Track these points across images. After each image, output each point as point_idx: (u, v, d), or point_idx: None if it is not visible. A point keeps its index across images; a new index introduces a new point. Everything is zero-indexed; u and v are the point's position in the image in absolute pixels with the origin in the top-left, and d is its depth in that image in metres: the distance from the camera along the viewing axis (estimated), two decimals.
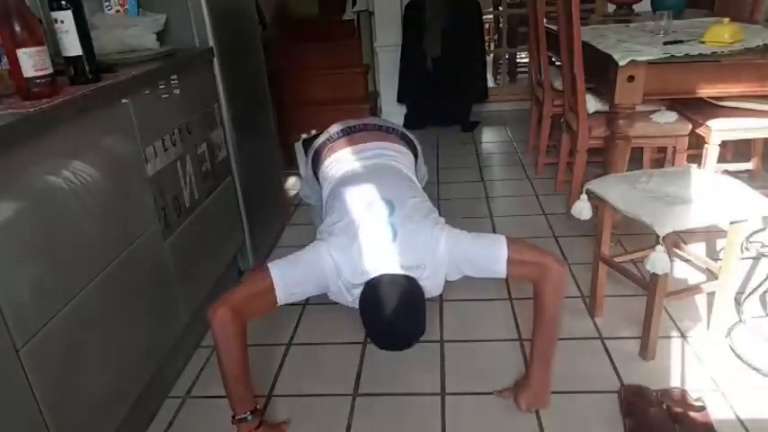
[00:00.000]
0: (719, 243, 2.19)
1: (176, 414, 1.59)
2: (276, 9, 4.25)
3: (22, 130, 1.08)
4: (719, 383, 1.53)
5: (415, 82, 4.06)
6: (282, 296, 1.36)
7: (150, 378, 1.53)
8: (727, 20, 2.09)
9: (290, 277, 1.36)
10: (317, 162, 1.82)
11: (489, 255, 1.39)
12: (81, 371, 1.24)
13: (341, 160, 1.71)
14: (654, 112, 2.27)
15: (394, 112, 4.16)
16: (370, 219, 1.42)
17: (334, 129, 1.86)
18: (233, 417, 1.38)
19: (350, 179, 1.60)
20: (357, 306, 1.42)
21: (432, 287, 1.42)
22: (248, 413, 1.38)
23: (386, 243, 1.37)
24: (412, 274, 1.37)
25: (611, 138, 2.16)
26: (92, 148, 1.31)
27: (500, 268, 1.38)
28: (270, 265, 1.37)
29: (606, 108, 2.28)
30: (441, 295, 2.01)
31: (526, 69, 4.41)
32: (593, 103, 2.37)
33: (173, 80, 1.73)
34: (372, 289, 1.35)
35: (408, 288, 1.36)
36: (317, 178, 1.82)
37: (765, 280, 1.79)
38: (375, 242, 1.38)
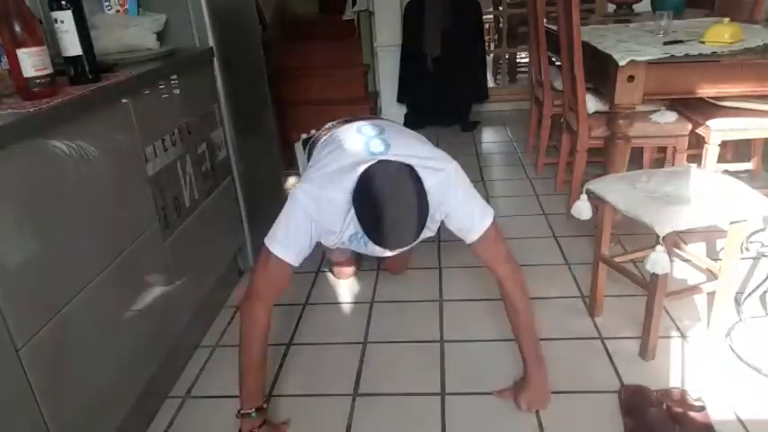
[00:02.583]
0: (719, 243, 2.19)
1: (176, 414, 1.59)
2: (276, 9, 4.26)
3: (22, 130, 1.08)
4: (719, 383, 1.53)
5: (415, 82, 4.06)
6: (293, 259, 1.36)
7: (150, 378, 1.53)
8: (727, 20, 2.09)
9: (288, 242, 1.35)
10: (311, 151, 1.82)
11: (475, 215, 1.40)
12: (81, 371, 1.24)
13: (333, 132, 1.71)
14: (654, 112, 2.27)
15: (394, 113, 4.16)
16: (359, 137, 1.41)
17: (331, 123, 1.86)
18: (239, 410, 1.39)
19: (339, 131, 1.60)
20: (353, 243, 1.41)
21: (434, 200, 1.31)
22: (253, 410, 1.39)
23: (378, 149, 1.35)
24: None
25: (611, 138, 2.16)
26: (92, 148, 1.31)
27: (475, 232, 1.40)
28: (266, 242, 1.37)
29: (606, 108, 2.28)
30: (441, 295, 2.03)
31: (526, 69, 4.41)
32: (593, 103, 2.37)
33: (173, 80, 1.73)
34: (368, 174, 1.25)
35: (409, 172, 1.25)
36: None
37: (765, 280, 1.80)
38: (365, 148, 1.36)
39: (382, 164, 1.27)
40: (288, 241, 1.35)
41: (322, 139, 1.70)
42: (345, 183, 1.28)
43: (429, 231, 1.43)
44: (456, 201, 1.38)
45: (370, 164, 1.27)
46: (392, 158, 1.29)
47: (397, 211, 1.23)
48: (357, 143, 1.41)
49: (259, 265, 1.41)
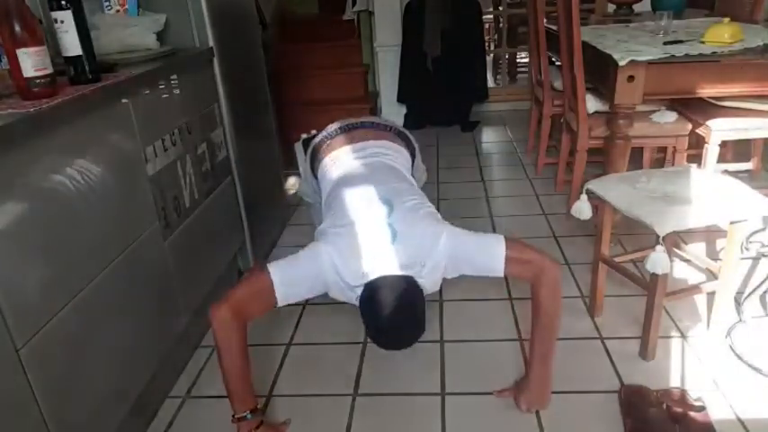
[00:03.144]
0: (719, 243, 2.19)
1: (176, 414, 1.59)
2: (276, 9, 4.25)
3: (22, 130, 1.08)
4: (719, 383, 1.53)
5: (415, 82, 4.06)
6: (282, 297, 1.37)
7: (150, 378, 1.53)
8: (727, 20, 2.09)
9: (289, 278, 1.37)
10: (314, 160, 1.82)
11: (488, 253, 1.40)
12: (81, 371, 1.24)
13: (339, 159, 1.71)
14: (654, 112, 2.27)
15: (394, 112, 4.16)
16: (369, 220, 1.43)
17: (333, 127, 1.86)
18: (233, 416, 1.38)
19: (348, 180, 1.60)
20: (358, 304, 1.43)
21: (429, 284, 1.42)
22: (248, 412, 1.38)
23: (385, 244, 1.38)
24: (411, 272, 1.37)
25: (611, 138, 2.16)
26: (92, 149, 1.31)
27: (498, 267, 1.39)
28: (269, 266, 1.37)
29: (606, 108, 2.28)
30: (441, 295, 2.03)
31: (526, 69, 4.41)
32: (593, 103, 2.37)
33: (173, 80, 1.73)
34: (372, 291, 1.36)
35: (408, 290, 1.36)
36: (316, 177, 1.83)
37: (765, 280, 1.80)
38: (374, 243, 1.38)
39: (386, 281, 1.34)
40: (289, 281, 1.36)
41: (328, 166, 1.72)
42: (355, 282, 1.38)
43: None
44: (462, 259, 1.41)
45: (373, 278, 1.35)
46: (393, 272, 1.35)
47: (395, 329, 1.37)
48: (368, 230, 1.41)
49: (250, 281, 1.41)
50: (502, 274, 1.41)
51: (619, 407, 1.47)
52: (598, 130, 2.32)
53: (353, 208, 1.48)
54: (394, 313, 1.33)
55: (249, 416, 1.38)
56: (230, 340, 1.34)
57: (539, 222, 2.57)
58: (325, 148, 1.79)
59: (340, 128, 1.84)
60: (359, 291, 1.39)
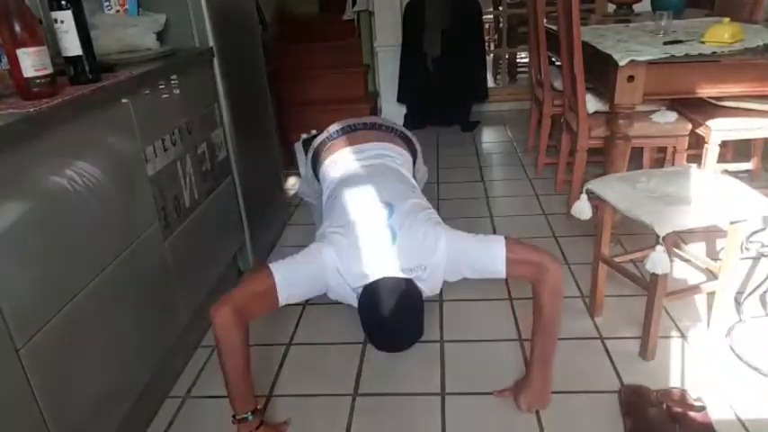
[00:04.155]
0: (719, 243, 2.19)
1: (176, 414, 1.59)
2: (276, 9, 4.26)
3: (22, 130, 1.08)
4: (719, 383, 1.53)
5: (415, 82, 4.06)
6: (284, 298, 1.37)
7: (150, 378, 1.53)
8: (727, 20, 2.09)
9: (291, 279, 1.37)
10: (316, 161, 1.83)
11: (488, 255, 1.39)
12: (81, 371, 1.24)
13: (340, 161, 1.72)
14: (654, 112, 2.27)
15: (394, 112, 4.16)
16: (370, 221, 1.43)
17: (334, 128, 1.86)
18: (233, 416, 1.38)
19: (349, 181, 1.60)
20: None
21: (429, 287, 1.44)
22: (249, 413, 1.38)
23: (385, 246, 1.38)
24: (412, 276, 1.38)
25: (611, 138, 2.16)
26: (92, 149, 1.31)
27: (499, 268, 1.39)
28: (272, 266, 1.37)
29: (606, 108, 2.28)
30: (441, 295, 2.03)
31: (526, 69, 4.41)
32: (593, 103, 2.37)
33: (173, 80, 1.73)
34: (371, 292, 1.36)
35: (407, 292, 1.37)
36: (317, 178, 1.83)
37: (765, 280, 1.80)
38: (374, 245, 1.39)
39: (385, 283, 1.36)
40: (291, 282, 1.37)
41: (330, 168, 1.72)
42: (355, 284, 1.39)
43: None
44: (462, 262, 1.41)
45: (373, 279, 1.36)
46: (393, 274, 1.37)
47: (393, 331, 1.41)
48: (369, 231, 1.42)
49: (252, 281, 1.41)
50: (504, 276, 1.40)
51: (619, 407, 1.47)
52: (598, 130, 2.32)
53: (354, 209, 1.48)
54: (392, 315, 1.35)
55: (250, 417, 1.38)
56: (232, 341, 1.33)
57: (539, 222, 2.57)
58: (326, 151, 1.79)
59: (341, 129, 1.84)
60: (359, 291, 1.39)
